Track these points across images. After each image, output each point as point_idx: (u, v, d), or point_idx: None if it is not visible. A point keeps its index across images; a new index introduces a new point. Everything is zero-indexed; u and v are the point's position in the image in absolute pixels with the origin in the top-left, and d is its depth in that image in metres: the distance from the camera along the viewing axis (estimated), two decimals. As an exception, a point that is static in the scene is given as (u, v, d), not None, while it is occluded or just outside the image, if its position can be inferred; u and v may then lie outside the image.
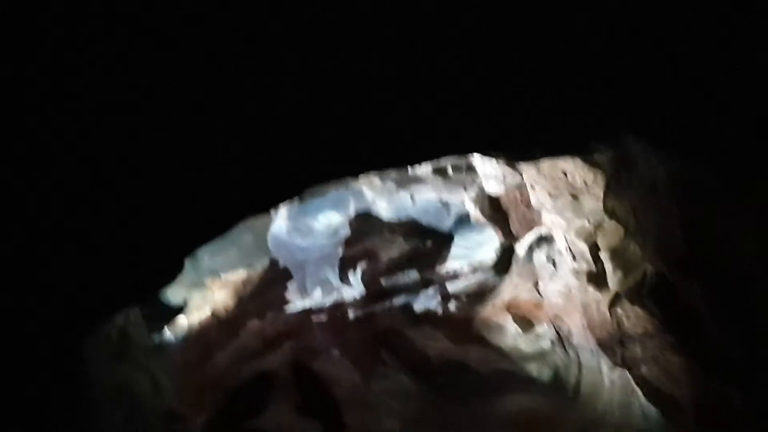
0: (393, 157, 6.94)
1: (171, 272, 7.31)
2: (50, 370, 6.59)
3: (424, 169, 14.72)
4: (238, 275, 14.88)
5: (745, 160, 5.31)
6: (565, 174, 9.13)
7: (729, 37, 5.05)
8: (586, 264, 10.65)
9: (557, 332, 13.80)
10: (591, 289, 10.50)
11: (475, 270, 16.68)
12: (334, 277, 17.20)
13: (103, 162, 5.00)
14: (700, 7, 4.97)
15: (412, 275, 17.13)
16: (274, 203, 7.41)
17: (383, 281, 17.16)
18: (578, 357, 12.87)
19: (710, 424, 7.62)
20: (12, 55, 4.10)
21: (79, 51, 4.32)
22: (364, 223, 17.21)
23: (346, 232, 17.50)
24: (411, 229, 17.40)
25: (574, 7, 5.07)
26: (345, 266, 17.26)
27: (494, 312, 15.31)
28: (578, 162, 8.58)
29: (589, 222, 10.06)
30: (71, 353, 7.42)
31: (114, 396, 9.19)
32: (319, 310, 16.82)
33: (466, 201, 15.79)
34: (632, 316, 9.24)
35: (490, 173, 12.84)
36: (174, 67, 4.64)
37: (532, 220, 14.23)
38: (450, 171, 14.91)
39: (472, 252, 16.81)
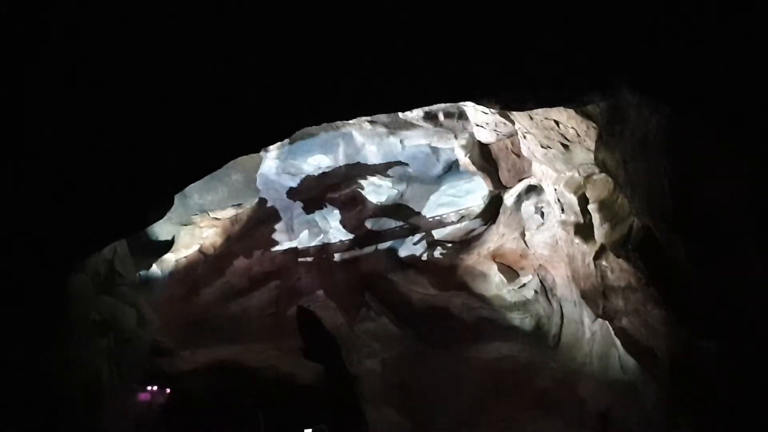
0: (385, 101, 6.88)
1: (160, 208, 7.29)
2: (37, 301, 6.61)
3: (415, 114, 14.59)
4: (227, 214, 14.89)
5: (736, 114, 5.32)
6: (558, 124, 9.09)
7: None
8: (574, 215, 10.70)
9: (541, 282, 13.96)
10: (577, 240, 10.57)
11: (461, 218, 16.75)
12: (321, 218, 17.24)
13: (96, 98, 4.94)
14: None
15: (399, 220, 17.20)
16: (265, 143, 7.34)
17: (370, 225, 17.23)
18: (561, 307, 13.05)
19: (685, 375, 7.77)
20: None
21: None
22: (353, 166, 17.18)
23: (335, 174, 17.49)
24: (399, 174, 17.39)
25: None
26: (332, 209, 17.31)
27: (479, 260, 15.44)
28: (571, 113, 8.53)
29: (579, 173, 10.07)
30: (58, 285, 7.44)
31: (99, 328, 9.25)
32: (306, 251, 16.92)
33: (456, 148, 15.74)
34: (616, 269, 9.33)
35: (482, 121, 12.77)
36: (169, 12, 4.56)
37: (521, 169, 14.24)
38: (441, 117, 14.78)
39: (460, 199, 16.86)
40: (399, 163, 17.34)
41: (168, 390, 10.82)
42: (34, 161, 5.11)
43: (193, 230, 14.45)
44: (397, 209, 17.33)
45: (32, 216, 5.60)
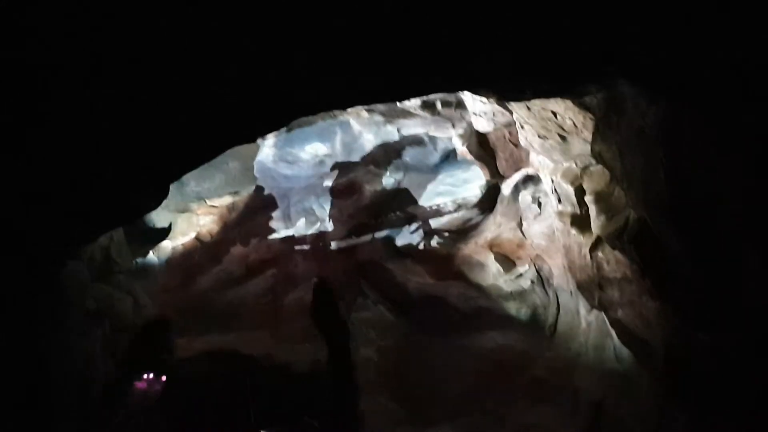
0: (382, 90, 6.85)
1: (156, 197, 7.27)
2: (32, 289, 6.61)
3: (413, 103, 14.56)
4: (224, 201, 14.90)
5: (735, 107, 5.29)
6: (555, 115, 9.06)
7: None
8: (570, 206, 10.70)
9: (538, 272, 13.96)
10: (574, 231, 10.57)
11: (459, 207, 16.77)
12: (318, 207, 17.25)
13: (91, 83, 4.92)
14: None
15: (396, 209, 17.19)
16: (262, 131, 7.31)
17: (366, 214, 17.23)
18: (557, 298, 13.06)
19: (679, 367, 7.80)
20: None
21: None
22: (350, 154, 17.20)
23: (331, 163, 17.50)
24: (396, 163, 17.39)
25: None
26: (329, 197, 17.32)
27: (476, 250, 15.43)
28: (569, 104, 8.50)
29: (576, 164, 10.07)
30: (54, 273, 7.44)
31: (95, 316, 9.26)
32: (302, 239, 16.93)
33: (453, 137, 15.72)
34: (612, 261, 9.34)
35: (480, 110, 12.73)
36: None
37: (519, 159, 14.24)
38: (439, 106, 14.74)
39: (457, 189, 16.87)
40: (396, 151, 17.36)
41: (164, 377, 10.82)
42: (27, 151, 5.09)
43: (190, 217, 14.46)
44: (394, 198, 17.33)
45: (27, 204, 5.58)
